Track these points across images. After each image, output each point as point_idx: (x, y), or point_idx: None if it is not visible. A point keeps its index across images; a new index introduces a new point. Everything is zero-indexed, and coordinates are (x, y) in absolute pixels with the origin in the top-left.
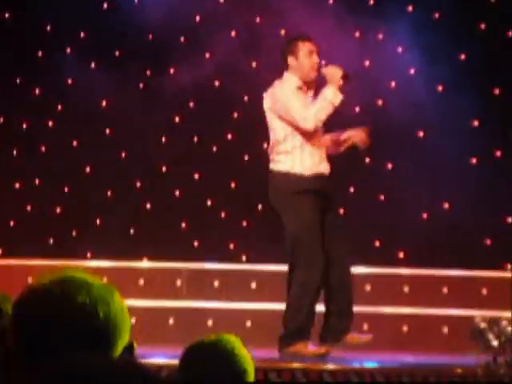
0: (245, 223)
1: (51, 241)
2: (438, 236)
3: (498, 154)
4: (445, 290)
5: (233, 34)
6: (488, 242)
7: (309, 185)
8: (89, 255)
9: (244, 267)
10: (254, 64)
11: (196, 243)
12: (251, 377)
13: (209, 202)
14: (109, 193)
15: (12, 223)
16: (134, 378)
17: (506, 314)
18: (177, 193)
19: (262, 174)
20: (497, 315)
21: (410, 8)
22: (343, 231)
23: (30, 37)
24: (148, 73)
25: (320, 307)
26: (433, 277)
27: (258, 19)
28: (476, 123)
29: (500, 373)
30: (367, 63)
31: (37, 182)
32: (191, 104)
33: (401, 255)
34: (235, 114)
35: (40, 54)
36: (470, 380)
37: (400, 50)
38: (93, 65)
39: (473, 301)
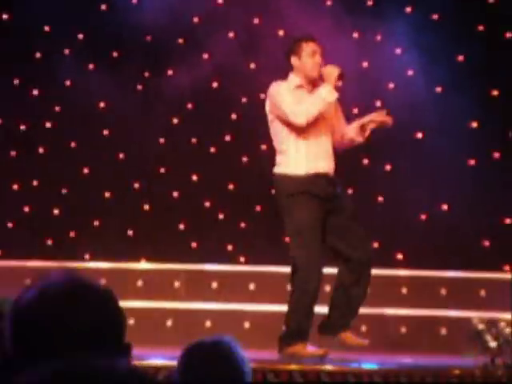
0: (243, 225)
1: (49, 242)
2: (437, 237)
3: (497, 155)
4: (443, 291)
5: (231, 35)
6: (486, 243)
7: (304, 186)
8: (87, 256)
9: (242, 269)
10: (252, 65)
11: (194, 244)
12: (249, 378)
13: (207, 204)
14: (107, 194)
15: (10, 224)
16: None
17: (504, 315)
18: (175, 194)
19: (261, 176)
20: (495, 317)
21: (409, 9)
22: (360, 230)
23: (28, 38)
24: (146, 74)
25: (319, 309)
26: (431, 278)
27: (256, 20)
28: (475, 124)
29: (498, 374)
30: (366, 64)
31: (35, 183)
32: (189, 105)
33: (399, 256)
34: (233, 116)
35: (38, 55)
36: (468, 381)
37: (399, 51)
38: (91, 66)
39: (471, 302)
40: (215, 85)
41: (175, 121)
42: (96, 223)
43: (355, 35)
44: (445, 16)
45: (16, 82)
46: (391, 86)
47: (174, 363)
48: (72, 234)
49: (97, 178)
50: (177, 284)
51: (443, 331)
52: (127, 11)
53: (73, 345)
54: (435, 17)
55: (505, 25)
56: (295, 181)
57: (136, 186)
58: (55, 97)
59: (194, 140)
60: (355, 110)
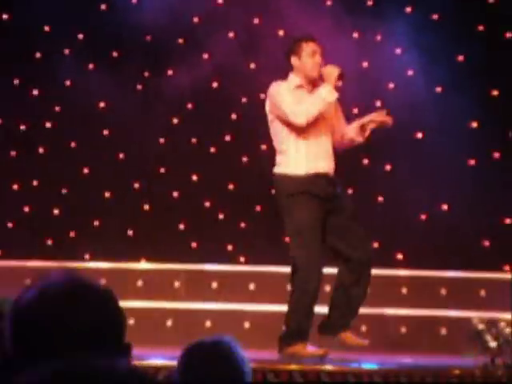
0: (243, 224)
1: (49, 242)
2: (437, 237)
3: (497, 155)
4: (443, 291)
5: (231, 35)
6: (486, 243)
7: (304, 186)
8: (87, 256)
9: (242, 269)
10: (252, 65)
11: (194, 244)
12: (249, 378)
13: (207, 204)
14: (107, 194)
15: (10, 225)
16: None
17: (504, 315)
18: (175, 194)
19: (261, 176)
20: (495, 316)
21: (409, 9)
22: (360, 230)
23: (28, 38)
24: (146, 74)
25: (319, 309)
26: (431, 278)
27: (256, 20)
28: (475, 124)
29: (498, 374)
30: (366, 64)
31: (35, 183)
32: (189, 105)
33: (399, 256)
34: (233, 116)
35: (38, 55)
36: (468, 381)
37: (399, 51)
38: (91, 66)
39: (471, 302)
40: (215, 85)
41: (175, 121)
42: (96, 223)
43: (355, 35)
44: (445, 16)
45: (16, 81)
46: (391, 85)
47: (174, 363)
48: (72, 234)
49: (97, 177)
50: (177, 284)
51: (443, 331)
52: (127, 11)
53: (73, 345)
54: (435, 17)
55: (505, 25)
56: (295, 181)
57: (136, 185)
58: (55, 97)
59: (193, 140)
60: (355, 110)
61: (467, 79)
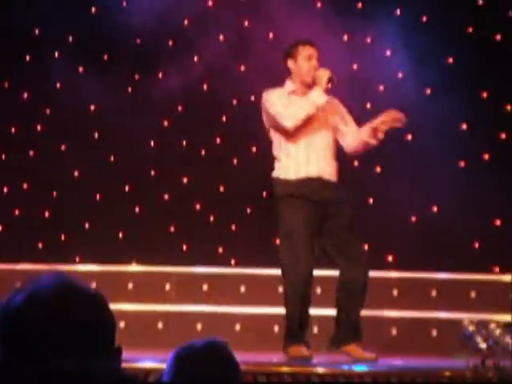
0: (234, 227)
1: (40, 245)
2: (427, 239)
3: (487, 157)
4: (433, 293)
5: (221, 37)
6: (476, 245)
7: (293, 189)
8: (77, 259)
9: (233, 271)
10: (242, 67)
11: (185, 247)
12: (240, 380)
13: (198, 206)
14: (97, 197)
15: (0, 228)
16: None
17: (495, 316)
18: (165, 197)
19: (251, 178)
20: (485, 318)
21: (398, 11)
22: (353, 236)
23: (18, 40)
24: (136, 77)
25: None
26: (421, 280)
27: (246, 23)
28: (464, 126)
29: (488, 376)
30: (355, 66)
31: (25, 186)
32: (180, 108)
33: (390, 258)
34: (224, 118)
35: (28, 57)
36: (459, 383)
37: (388, 53)
38: (81, 69)
39: (461, 304)
40: (205, 87)
41: (165, 123)
42: (86, 226)
43: (345, 37)
44: (434, 18)
45: (6, 84)
46: (381, 88)
47: (165, 366)
48: (62, 237)
49: (87, 180)
50: (168, 286)
51: (434, 333)
52: (117, 14)
53: (62, 348)
54: (424, 19)
55: (494, 27)
56: (285, 184)
57: (126, 188)
58: (45, 100)
59: (184, 142)
60: None
61: (457, 81)
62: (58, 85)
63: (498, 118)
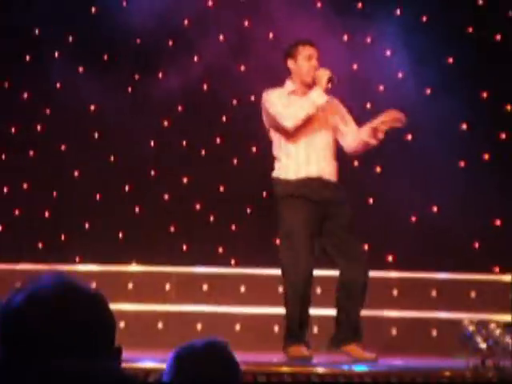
0: (234, 227)
1: (40, 245)
2: (427, 239)
3: (487, 157)
4: (433, 293)
5: (221, 37)
6: (476, 244)
7: (293, 189)
8: (78, 259)
9: (233, 271)
10: (242, 67)
11: (185, 247)
12: (240, 380)
13: (197, 206)
14: (97, 197)
15: (0, 227)
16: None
17: (495, 316)
18: (166, 197)
19: (251, 178)
20: (485, 318)
21: (398, 11)
22: (353, 236)
23: (18, 40)
24: (136, 77)
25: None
26: (421, 280)
27: (246, 23)
28: (464, 126)
29: (488, 376)
30: (355, 66)
31: (25, 186)
32: (180, 108)
33: (390, 258)
34: (224, 118)
35: (28, 57)
36: (459, 383)
37: (388, 53)
38: (81, 69)
39: (461, 304)
40: (205, 87)
41: (165, 123)
42: (86, 226)
43: (345, 37)
44: (434, 18)
45: (6, 84)
46: (381, 88)
47: (165, 366)
48: (62, 237)
49: (87, 180)
50: (167, 286)
51: (434, 333)
52: (117, 14)
53: (62, 348)
54: (424, 19)
55: (494, 27)
56: (285, 184)
57: (126, 188)
58: (45, 100)
59: (184, 142)
60: None
61: (457, 81)
62: (58, 85)
63: (498, 118)
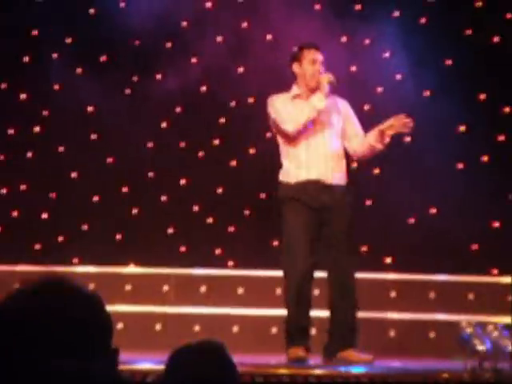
0: (232, 229)
1: (38, 246)
2: (425, 241)
3: (485, 159)
4: (432, 295)
5: (220, 39)
6: (475, 246)
7: (292, 192)
8: (76, 261)
9: (231, 273)
10: (240, 69)
11: (183, 249)
12: (238, 382)
13: (196, 208)
14: (95, 198)
15: None
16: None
17: (493, 318)
18: (164, 198)
19: (250, 180)
20: (483, 320)
21: (397, 13)
22: (343, 245)
23: (17, 42)
24: (135, 78)
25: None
26: (420, 282)
27: (245, 24)
28: (463, 128)
29: (486, 378)
30: (354, 68)
31: (23, 187)
32: (178, 109)
33: (388, 260)
34: (222, 120)
35: (26, 59)
36: None
37: (387, 54)
38: (79, 70)
39: (460, 306)
40: (204, 89)
41: (164, 125)
42: (84, 227)
43: (343, 39)
44: (432, 20)
45: (4, 86)
46: (380, 89)
47: (163, 367)
48: (60, 239)
49: (85, 182)
50: (166, 288)
51: (432, 335)
52: (116, 15)
53: (59, 350)
54: (423, 21)
55: (492, 29)
56: (285, 188)
57: (124, 190)
58: (43, 101)
59: (182, 144)
60: None
61: (455, 83)
62: (57, 86)
63: (497, 120)
